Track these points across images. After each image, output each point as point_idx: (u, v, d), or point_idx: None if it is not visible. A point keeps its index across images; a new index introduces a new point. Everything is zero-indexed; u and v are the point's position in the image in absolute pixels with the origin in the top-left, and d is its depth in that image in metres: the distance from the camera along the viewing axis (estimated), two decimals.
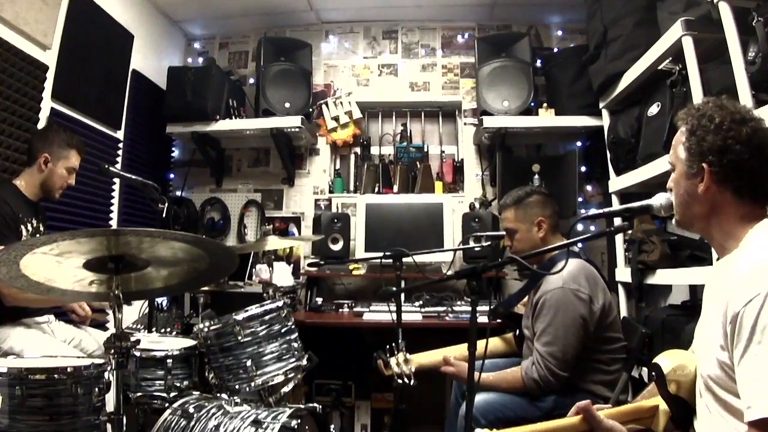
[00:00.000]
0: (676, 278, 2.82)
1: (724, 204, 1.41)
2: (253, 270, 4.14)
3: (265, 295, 2.85)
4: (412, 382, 2.39)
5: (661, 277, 2.91)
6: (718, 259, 1.49)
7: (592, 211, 2.32)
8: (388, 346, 2.49)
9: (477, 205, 4.40)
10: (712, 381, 1.34)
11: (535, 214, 2.62)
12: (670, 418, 1.50)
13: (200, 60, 4.97)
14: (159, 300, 3.61)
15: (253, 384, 2.45)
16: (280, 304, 2.63)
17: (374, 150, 4.79)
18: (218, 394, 2.38)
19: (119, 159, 4.02)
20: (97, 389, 1.87)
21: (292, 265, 4.39)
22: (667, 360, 1.53)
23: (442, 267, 4.16)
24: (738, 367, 1.23)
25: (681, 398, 1.48)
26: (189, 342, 2.63)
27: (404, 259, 2.78)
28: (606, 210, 1.86)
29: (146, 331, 3.04)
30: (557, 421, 1.51)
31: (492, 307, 2.89)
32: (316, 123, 4.75)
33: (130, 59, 4.14)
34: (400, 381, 2.41)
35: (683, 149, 1.47)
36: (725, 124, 1.39)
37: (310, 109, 4.61)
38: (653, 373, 1.53)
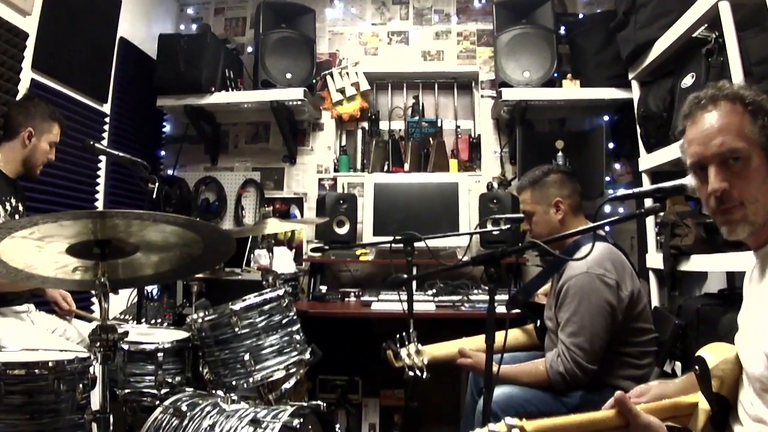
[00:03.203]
0: (712, 264, 2.77)
1: None
2: (252, 256, 4.12)
3: (264, 282, 2.83)
4: (424, 374, 2.36)
5: (695, 263, 2.87)
6: (757, 249, 1.45)
7: (621, 192, 2.29)
8: (398, 336, 2.46)
9: (495, 184, 4.38)
10: (760, 384, 1.31)
11: (552, 195, 2.60)
12: (709, 418, 1.47)
13: (194, 27, 4.94)
14: (149, 288, 3.62)
15: (251, 380, 2.44)
16: (280, 292, 2.62)
17: (383, 125, 4.76)
18: (213, 391, 2.37)
19: (106, 135, 4.01)
20: (81, 385, 1.87)
21: (293, 251, 4.40)
22: (711, 354, 1.50)
23: (458, 252, 4.13)
24: None
25: (724, 397, 1.45)
26: (181, 334, 2.63)
27: (416, 244, 2.75)
28: (636, 190, 1.84)
29: (135, 322, 3.03)
30: (591, 414, 1.49)
31: (511, 295, 2.86)
32: (319, 95, 4.71)
33: (118, 26, 4.10)
34: (411, 373, 2.38)
35: (758, 130, 1.37)
36: None
37: (314, 81, 4.59)
38: (696, 368, 1.50)
